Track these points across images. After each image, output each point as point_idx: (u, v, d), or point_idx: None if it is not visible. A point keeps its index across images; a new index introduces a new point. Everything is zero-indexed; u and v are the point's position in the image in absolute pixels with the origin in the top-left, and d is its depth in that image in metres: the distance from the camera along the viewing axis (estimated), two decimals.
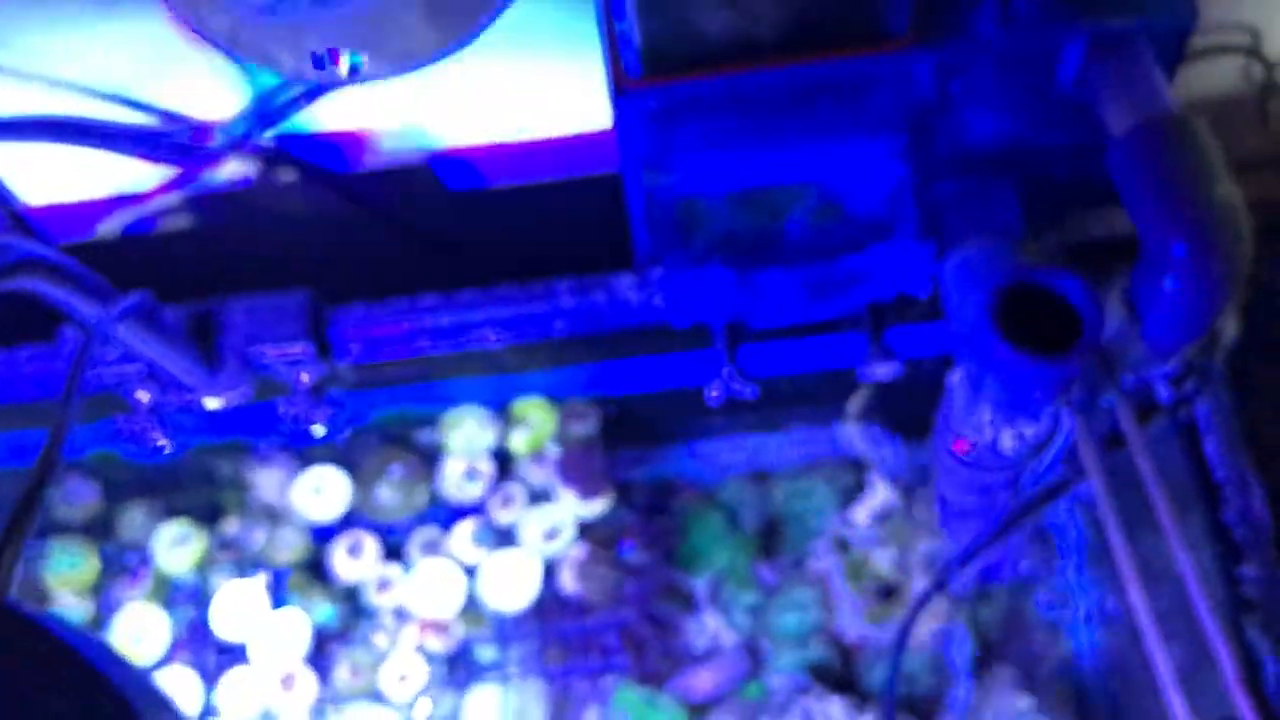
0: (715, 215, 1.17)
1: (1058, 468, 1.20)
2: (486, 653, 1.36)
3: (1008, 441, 1.10)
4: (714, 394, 1.18)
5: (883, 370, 1.18)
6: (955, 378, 1.14)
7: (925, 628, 1.44)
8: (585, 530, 1.38)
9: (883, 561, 1.45)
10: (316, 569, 1.39)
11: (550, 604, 1.35)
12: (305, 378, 1.20)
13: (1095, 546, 1.48)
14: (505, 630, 1.35)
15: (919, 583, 1.46)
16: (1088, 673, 1.52)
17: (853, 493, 1.52)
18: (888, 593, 1.46)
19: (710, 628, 1.49)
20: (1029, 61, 1.04)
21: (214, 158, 1.43)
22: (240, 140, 1.37)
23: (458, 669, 1.36)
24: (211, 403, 1.20)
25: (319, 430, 1.21)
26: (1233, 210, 0.94)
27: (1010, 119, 1.10)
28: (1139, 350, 1.07)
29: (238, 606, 1.37)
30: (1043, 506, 1.15)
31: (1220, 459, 1.11)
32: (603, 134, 1.44)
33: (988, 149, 1.14)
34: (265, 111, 1.37)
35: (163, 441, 1.21)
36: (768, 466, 1.58)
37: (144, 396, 1.19)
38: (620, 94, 1.00)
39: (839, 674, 1.45)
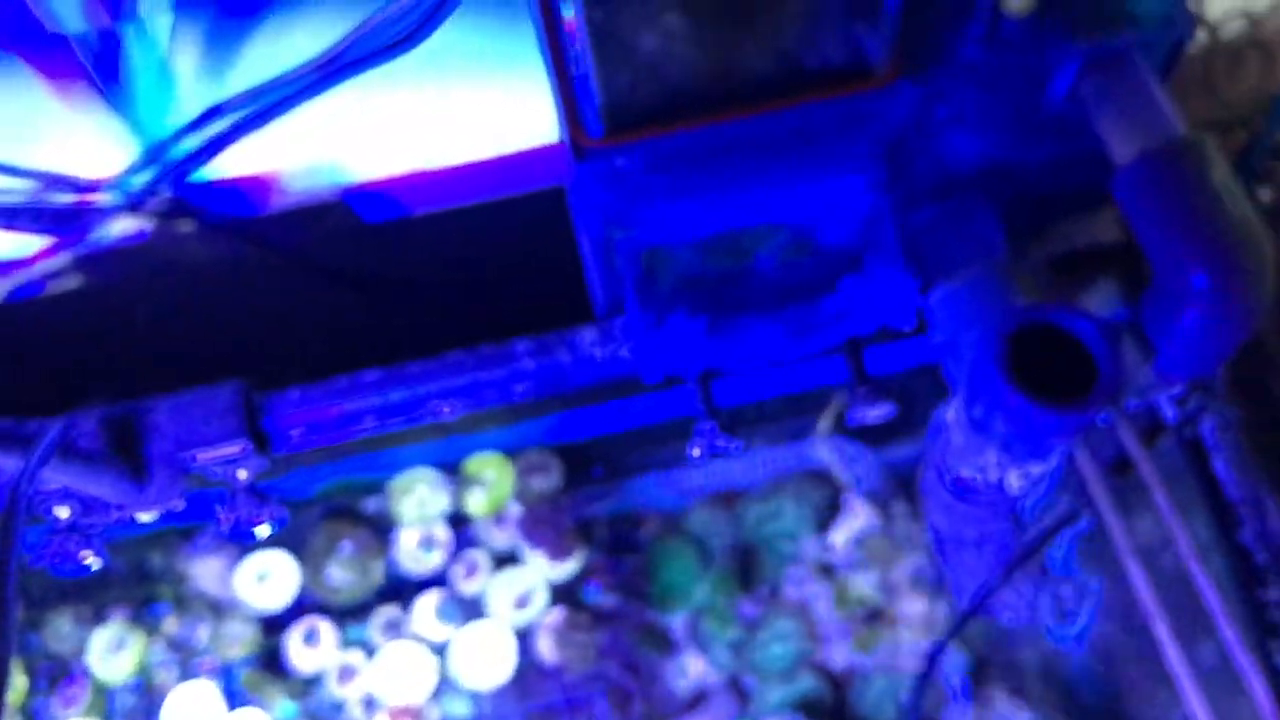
0: (680, 261, 1.07)
1: (1055, 493, 1.15)
2: None
3: (1015, 481, 1.04)
4: (695, 453, 1.10)
5: (875, 414, 1.11)
6: (949, 415, 1.07)
7: (914, 649, 1.39)
8: (558, 593, 1.29)
9: (866, 584, 1.39)
10: (272, 662, 1.28)
11: (528, 673, 1.27)
12: (243, 475, 1.09)
13: (1085, 558, 1.44)
14: (484, 708, 1.26)
15: (905, 602, 1.41)
16: (1079, 681, 1.49)
17: (823, 510, 1.45)
18: (874, 616, 1.41)
19: (692, 669, 1.42)
20: (1016, 82, 0.96)
21: (105, 217, 1.30)
22: (139, 198, 1.25)
23: None
24: (144, 517, 1.08)
25: (264, 531, 1.10)
26: (1254, 234, 0.88)
27: (994, 139, 1.02)
28: (1147, 378, 1.01)
29: (189, 711, 1.25)
30: (1051, 539, 1.10)
31: (1231, 477, 1.06)
32: (521, 154, 1.35)
33: (969, 170, 1.06)
34: (164, 165, 1.25)
35: (91, 560, 1.08)
36: (733, 487, 1.51)
37: (63, 513, 1.07)
38: (580, 158, 0.90)
39: (830, 705, 1.40)
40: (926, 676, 1.08)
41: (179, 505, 1.09)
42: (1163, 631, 1.00)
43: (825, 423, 1.41)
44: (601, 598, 1.39)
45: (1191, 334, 0.91)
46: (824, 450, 1.42)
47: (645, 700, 1.38)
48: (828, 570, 1.41)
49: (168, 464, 1.06)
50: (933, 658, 1.09)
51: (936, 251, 1.09)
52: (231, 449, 1.06)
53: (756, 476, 1.50)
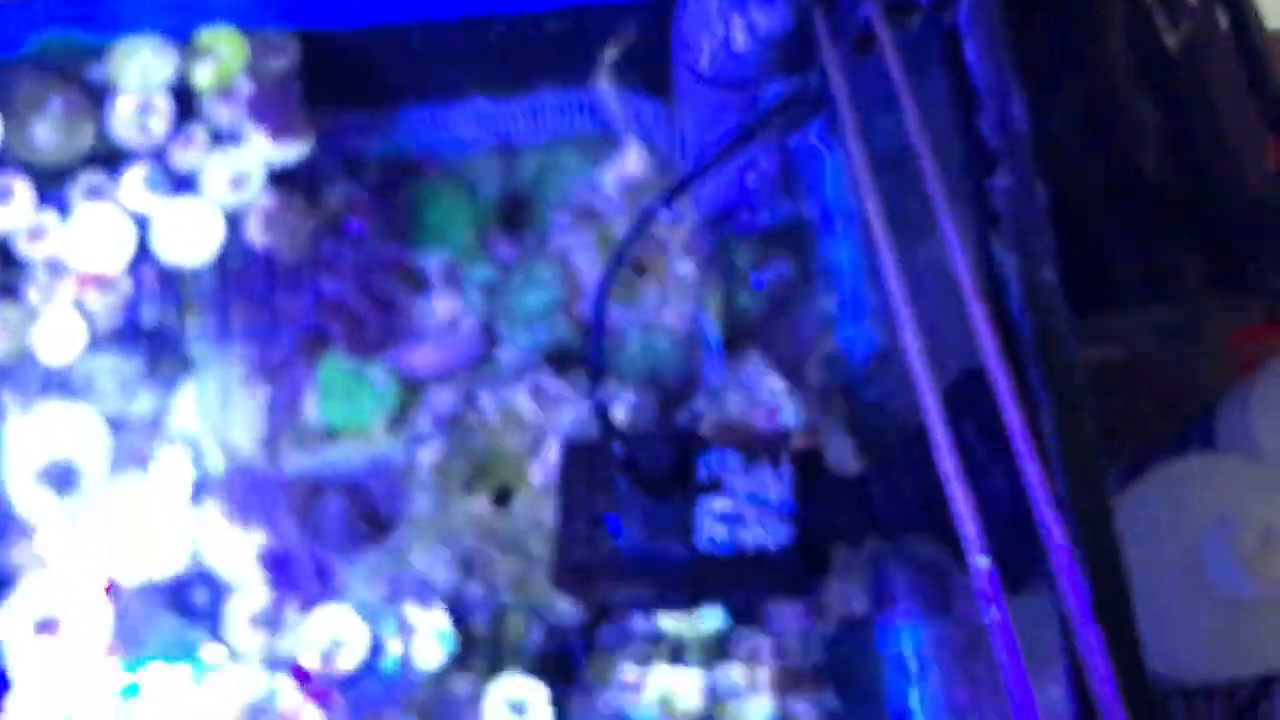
0: None
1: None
2: (164, 314, 1.19)
3: (740, 37, 0.95)
4: None
5: None
6: None
7: (675, 309, 1.31)
8: (278, 179, 1.19)
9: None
10: None
11: (233, 253, 1.17)
12: None
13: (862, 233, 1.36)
14: (182, 287, 1.17)
15: (674, 261, 1.32)
16: (856, 367, 1.42)
17: (604, 165, 1.36)
18: (639, 269, 1.32)
19: (443, 310, 1.33)
20: None
21: None
22: None
23: (134, 334, 1.19)
24: None
25: None
26: None
27: None
28: None
29: None
30: (782, 116, 1.01)
31: (980, 65, 0.97)
32: None
33: None
34: None
35: None
36: (516, 139, 1.41)
37: None
38: None
39: (580, 355, 1.32)
40: (619, 259, 0.99)
41: None
42: (872, 210, 0.92)
43: (609, 58, 1.31)
44: (360, 234, 1.30)
45: None
46: (605, 88, 1.32)
47: (384, 331, 1.30)
48: (593, 214, 1.32)
49: None
50: (629, 239, 1.00)
51: None
52: None
53: (540, 129, 1.41)
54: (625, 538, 1.04)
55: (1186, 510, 1.12)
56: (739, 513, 1.03)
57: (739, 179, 1.05)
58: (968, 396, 0.93)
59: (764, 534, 1.02)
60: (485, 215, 1.33)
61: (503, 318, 1.31)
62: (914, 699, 1.38)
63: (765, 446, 1.07)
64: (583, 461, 1.08)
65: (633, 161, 1.29)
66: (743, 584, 1.04)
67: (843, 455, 1.20)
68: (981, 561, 0.83)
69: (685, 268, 1.31)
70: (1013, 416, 0.86)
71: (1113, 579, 0.84)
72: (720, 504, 1.03)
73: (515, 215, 1.35)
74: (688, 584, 1.05)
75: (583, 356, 1.31)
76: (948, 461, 0.86)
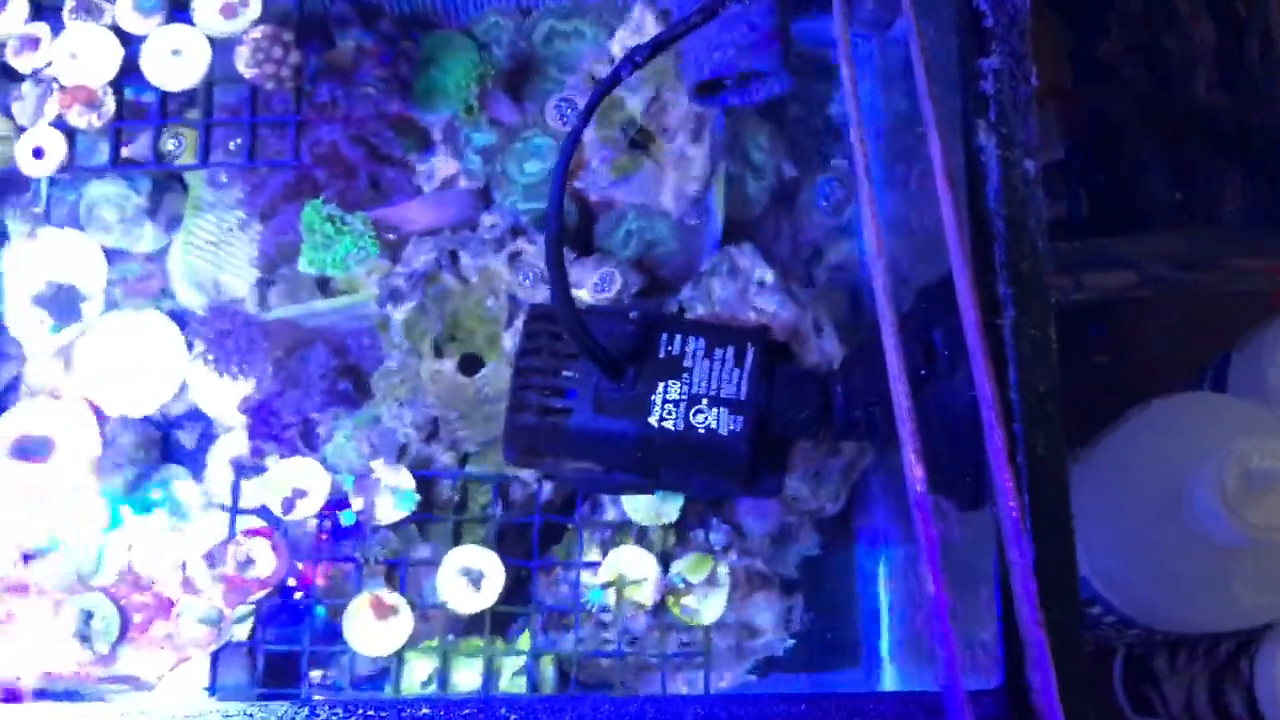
0: None
1: None
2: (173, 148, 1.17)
3: None
4: None
5: None
6: None
7: (673, 191, 1.26)
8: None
9: (637, 105, 1.25)
10: None
11: (219, 83, 1.14)
12: None
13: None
14: (163, 106, 1.14)
15: (676, 140, 1.27)
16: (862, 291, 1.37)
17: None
18: (639, 145, 1.27)
19: (442, 171, 1.30)
20: None
21: None
22: None
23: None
24: None
25: None
26: None
27: None
28: None
29: None
30: None
31: None
32: None
33: None
34: None
35: None
36: (534, 3, 1.36)
37: None
38: None
39: (574, 230, 1.27)
40: (600, 96, 0.93)
41: None
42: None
43: None
44: (369, 80, 1.27)
45: None
46: None
47: (375, 183, 1.27)
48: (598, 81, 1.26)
49: None
50: (600, 94, 0.94)
51: None
52: None
53: None
54: (576, 411, 1.01)
55: (1175, 450, 1.05)
56: (694, 397, 0.99)
57: (726, 45, 0.99)
58: (944, 301, 0.87)
59: (716, 421, 0.98)
60: (492, 77, 1.28)
61: (499, 183, 1.27)
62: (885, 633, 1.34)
63: (732, 334, 1.03)
64: (546, 330, 1.05)
65: (645, 29, 1.24)
66: (691, 468, 1.01)
67: (832, 357, 1.15)
68: (917, 473, 0.78)
69: (694, 150, 1.25)
70: (969, 316, 0.81)
71: (1055, 499, 0.79)
72: (676, 387, 1.00)
73: (522, 79, 1.30)
74: (635, 464, 1.02)
75: (580, 235, 1.27)
76: (894, 363, 0.81)
